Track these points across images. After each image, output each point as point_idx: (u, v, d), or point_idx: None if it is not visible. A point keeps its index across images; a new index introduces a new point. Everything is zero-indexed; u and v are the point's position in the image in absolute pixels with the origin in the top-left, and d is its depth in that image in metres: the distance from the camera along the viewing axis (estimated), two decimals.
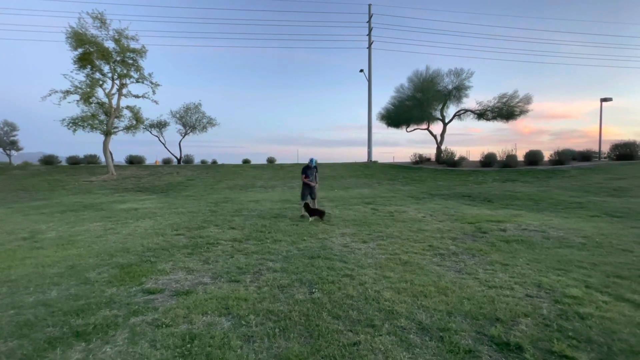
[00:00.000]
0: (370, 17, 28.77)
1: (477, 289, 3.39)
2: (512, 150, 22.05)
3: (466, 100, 26.89)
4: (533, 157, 21.20)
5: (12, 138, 35.32)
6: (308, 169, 8.32)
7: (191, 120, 28.95)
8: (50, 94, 19.18)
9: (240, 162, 27.95)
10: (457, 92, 26.05)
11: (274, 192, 14.39)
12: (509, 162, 20.82)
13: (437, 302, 3.07)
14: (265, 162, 28.26)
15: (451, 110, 27.54)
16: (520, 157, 21.98)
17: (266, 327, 2.64)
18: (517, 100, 25.04)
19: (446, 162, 23.09)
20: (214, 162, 29.06)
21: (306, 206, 7.64)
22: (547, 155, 21.68)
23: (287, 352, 2.29)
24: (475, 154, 43.09)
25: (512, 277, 3.74)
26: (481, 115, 26.64)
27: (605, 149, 22.85)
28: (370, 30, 28.70)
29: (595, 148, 23.87)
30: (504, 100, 25.33)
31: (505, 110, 25.35)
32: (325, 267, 4.13)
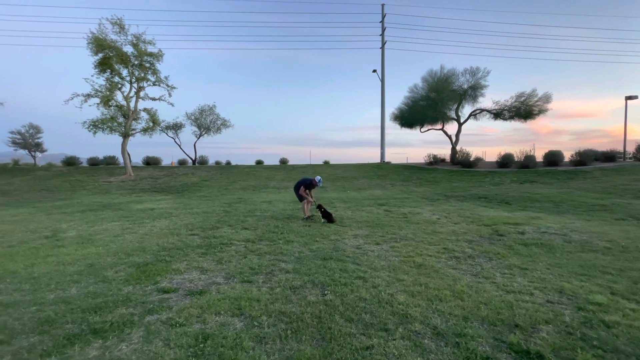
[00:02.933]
0: (383, 17, 28.56)
1: (495, 293, 3.29)
2: (530, 150, 21.41)
3: (482, 100, 26.30)
4: (553, 158, 20.53)
5: (36, 140, 36.78)
6: (311, 187, 8.02)
7: (206, 121, 29.47)
8: (72, 98, 19.92)
9: (253, 163, 28.21)
10: (473, 91, 25.50)
11: (286, 193, 14.43)
12: (527, 162, 20.22)
13: (452, 306, 2.99)
14: (278, 163, 28.43)
15: (466, 110, 26.99)
16: (539, 157, 21.33)
17: (278, 328, 2.63)
18: (535, 99, 24.31)
19: (461, 163, 22.63)
20: (228, 163, 29.44)
21: (320, 208, 7.57)
22: (567, 156, 20.98)
23: (299, 354, 2.27)
24: (491, 154, 42.13)
25: (532, 281, 3.61)
26: (498, 115, 25.99)
27: (631, 149, 21.93)
28: (383, 30, 28.49)
29: (620, 148, 22.86)
30: (522, 99, 24.63)
31: (523, 110, 24.64)
32: (337, 268, 4.09)
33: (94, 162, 27.29)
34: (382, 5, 28.62)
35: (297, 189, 8.06)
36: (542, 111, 24.47)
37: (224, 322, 2.75)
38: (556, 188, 13.75)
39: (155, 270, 4.10)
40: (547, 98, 24.15)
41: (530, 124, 27.59)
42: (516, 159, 21.13)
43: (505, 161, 21.29)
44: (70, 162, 26.84)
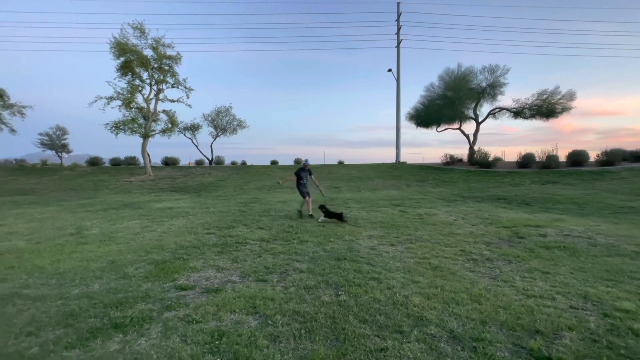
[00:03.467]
0: (399, 16, 28.26)
1: (514, 297, 3.19)
2: (552, 150, 20.72)
3: (501, 98, 25.66)
4: (577, 158, 19.75)
5: (63, 141, 38.48)
6: (302, 171, 8.36)
7: (222, 122, 30.03)
8: (95, 101, 20.73)
9: (268, 163, 28.49)
10: (492, 89, 24.88)
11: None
12: (549, 162, 19.54)
13: (469, 309, 2.92)
14: (292, 163, 28.60)
15: (485, 108, 26.37)
16: (562, 157, 20.58)
17: (292, 327, 2.65)
18: (558, 96, 23.46)
19: (479, 163, 22.09)
20: (243, 163, 29.86)
21: (323, 209, 7.53)
22: (593, 156, 20.11)
23: (312, 354, 2.27)
24: (510, 154, 40.88)
25: (554, 286, 3.48)
26: (518, 113, 25.24)
27: None
28: (398, 29, 28.19)
29: None
30: (544, 97, 23.82)
31: (545, 108, 23.83)
32: (351, 269, 4.08)
33: (115, 162, 28.28)
34: (398, 3, 28.34)
35: (296, 185, 8.43)
36: (565, 109, 23.61)
37: (239, 320, 2.79)
38: (580, 189, 13.21)
39: (173, 268, 4.20)
40: (571, 95, 23.28)
41: (552, 123, 26.56)
42: (537, 159, 20.46)
43: (526, 161, 20.63)
44: (94, 162, 27.93)
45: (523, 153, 21.12)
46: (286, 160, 30.45)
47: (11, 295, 3.37)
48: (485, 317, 2.78)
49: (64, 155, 39.32)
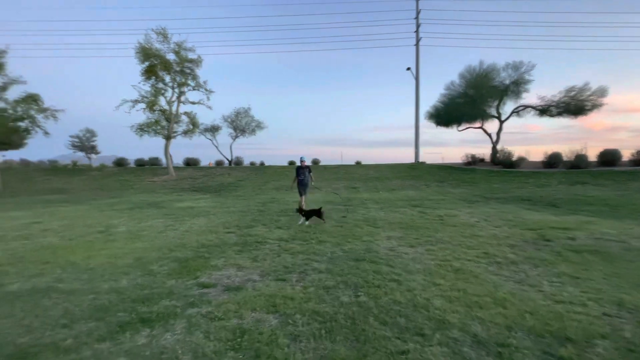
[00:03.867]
0: (417, 14, 27.79)
1: (542, 302, 3.07)
2: (581, 149, 19.69)
3: (526, 96, 24.54)
4: (609, 157, 18.71)
5: (92, 143, 40.32)
6: (300, 169, 8.66)
7: (241, 123, 30.50)
8: (122, 104, 21.60)
9: (285, 164, 28.72)
10: (516, 87, 23.93)
11: (318, 194, 14.51)
12: (578, 162, 18.62)
13: (494, 314, 2.83)
14: (309, 163, 28.69)
15: (508, 106, 25.38)
16: (592, 157, 19.53)
17: (312, 327, 2.66)
18: (588, 93, 22.29)
19: (502, 163, 21.37)
20: (262, 163, 30.24)
21: (300, 211, 7.40)
22: (626, 155, 19.00)
23: (333, 354, 2.28)
24: (535, 153, 39.29)
25: (585, 292, 3.32)
26: (544, 111, 24.16)
27: None
28: (418, 26, 27.71)
29: None
30: (572, 93, 22.68)
31: (573, 105, 22.69)
32: (370, 270, 4.05)
33: (140, 163, 29.35)
34: (417, 1, 27.85)
35: (297, 184, 8.75)
36: (595, 106, 22.39)
37: (259, 318, 2.83)
38: (612, 190, 12.53)
39: (196, 266, 4.31)
40: (602, 92, 22.06)
41: (581, 121, 25.28)
42: (565, 159, 19.55)
43: (553, 161, 19.76)
44: (120, 163, 29.11)
45: (549, 152, 20.27)
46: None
47: (47, 289, 3.57)
48: (510, 322, 2.69)
49: (93, 156, 41.21)
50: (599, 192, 12.25)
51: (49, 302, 3.22)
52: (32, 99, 19.38)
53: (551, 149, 25.24)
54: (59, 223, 7.94)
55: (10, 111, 19.03)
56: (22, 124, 20.29)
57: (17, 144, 30.16)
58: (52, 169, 28.03)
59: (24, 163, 37.41)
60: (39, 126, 20.07)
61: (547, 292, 3.31)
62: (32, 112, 19.57)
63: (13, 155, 37.21)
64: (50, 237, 6.38)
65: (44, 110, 19.73)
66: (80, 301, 3.23)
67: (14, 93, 19.36)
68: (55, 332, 2.63)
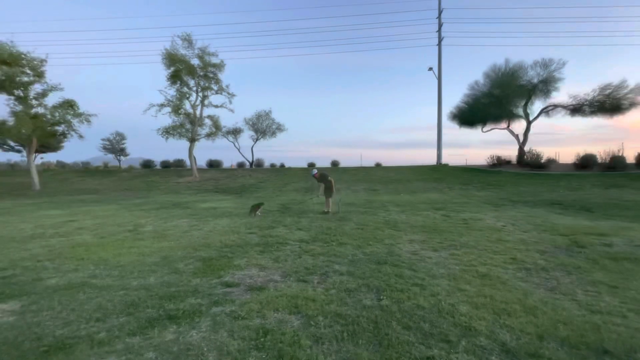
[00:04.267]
0: (440, 13, 27.28)
1: (576, 312, 2.91)
2: (618, 150, 18.60)
3: (556, 95, 23.48)
4: None
5: (121, 146, 42.25)
6: (322, 178, 9.51)
7: (262, 126, 31.01)
8: (149, 108, 22.52)
9: (305, 166, 28.89)
10: (545, 85, 22.94)
11: (337, 195, 14.50)
12: (614, 164, 17.60)
13: (523, 322, 2.71)
14: (329, 165, 28.72)
15: (537, 106, 24.39)
16: (630, 158, 18.38)
17: (334, 329, 2.65)
18: (625, 91, 21.00)
19: (530, 165, 20.53)
20: (282, 165, 30.58)
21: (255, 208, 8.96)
22: None
23: (356, 357, 2.26)
24: (565, 155, 37.29)
25: (624, 302, 3.11)
26: (576, 110, 23.01)
27: None
28: (440, 26, 27.19)
29: None
30: (607, 91, 21.46)
31: (609, 104, 21.45)
32: (392, 274, 3.99)
33: (165, 165, 30.46)
34: (439, 0, 27.33)
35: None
36: (633, 104, 21.08)
37: (282, 319, 2.86)
38: None
39: (219, 265, 4.41)
40: None
41: (617, 120, 23.89)
42: (599, 161, 18.51)
43: (586, 163, 18.79)
44: (147, 165, 30.34)
45: (581, 154, 19.27)
46: (323, 162, 30.71)
47: (82, 284, 3.76)
48: (542, 331, 2.57)
49: (122, 158, 43.17)
50: (638, 196, 11.49)
51: (84, 297, 3.40)
52: (68, 105, 20.56)
53: (583, 150, 23.91)
54: (92, 222, 8.37)
55: (49, 116, 20.26)
56: (60, 128, 21.55)
57: (54, 147, 32.13)
58: (86, 170, 29.64)
59: (60, 165, 39.82)
60: (74, 130, 21.25)
61: (582, 302, 3.14)
62: (69, 117, 20.74)
63: (51, 157, 39.67)
64: (84, 234, 6.73)
65: (79, 115, 20.87)
66: (112, 296, 3.39)
67: (52, 99, 20.64)
68: (90, 325, 2.77)
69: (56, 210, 10.95)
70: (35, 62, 19.11)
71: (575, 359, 2.22)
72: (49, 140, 24.54)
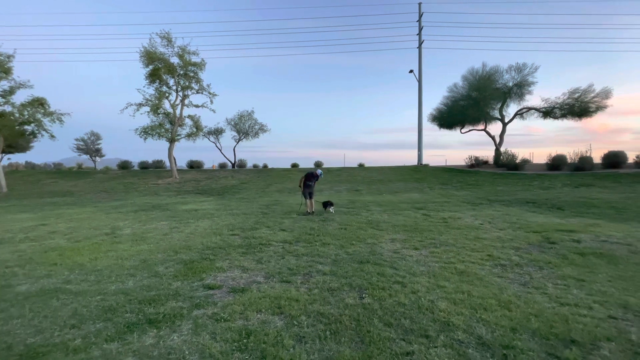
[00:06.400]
0: (420, 16, 27.87)
1: (547, 305, 3.07)
2: (586, 151, 19.62)
3: (529, 98, 24.49)
4: (614, 159, 18.62)
5: (96, 146, 40.67)
6: (313, 177, 9.36)
7: (244, 126, 30.61)
8: (126, 107, 21.76)
9: (289, 166, 28.78)
10: (519, 89, 23.91)
11: (321, 196, 14.53)
12: (583, 164, 18.55)
13: (498, 316, 2.84)
14: (312, 165, 28.71)
15: (512, 109, 25.37)
16: (597, 159, 19.43)
17: (317, 328, 2.68)
18: (592, 95, 22.20)
19: (506, 165, 21.32)
20: (265, 166, 30.31)
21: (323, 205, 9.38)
22: (631, 157, 18.89)
23: (338, 355, 2.30)
24: (539, 156, 39.07)
25: (590, 294, 3.31)
26: (547, 113, 24.10)
27: None
28: (420, 29, 27.78)
29: None
30: (576, 95, 22.61)
31: (577, 107, 22.62)
32: (375, 272, 4.06)
33: (144, 166, 29.52)
34: (419, 4, 27.94)
35: (303, 187, 9.40)
36: (600, 108, 22.31)
37: (265, 319, 2.86)
38: (618, 193, 12.45)
39: (201, 268, 4.35)
40: (606, 93, 21.98)
41: (585, 123, 25.10)
42: (569, 161, 19.46)
43: (557, 163, 19.69)
44: (124, 165, 29.30)
45: (553, 155, 20.20)
46: (307, 163, 30.64)
47: (55, 290, 3.61)
48: (515, 324, 2.70)
49: (98, 159, 41.56)
50: (604, 194, 12.18)
51: (58, 303, 3.27)
52: (38, 103, 19.58)
53: (555, 151, 25.09)
54: (66, 225, 8.03)
55: (17, 115, 19.22)
56: (29, 128, 20.49)
57: (23, 147, 30.51)
58: (58, 171, 28.29)
59: (29, 166, 37.82)
60: (45, 130, 20.24)
61: (552, 295, 3.31)
62: (39, 116, 19.75)
63: (18, 158, 37.65)
64: (58, 239, 6.45)
65: (50, 114, 19.91)
66: (88, 302, 3.28)
67: (20, 97, 19.59)
68: (64, 333, 2.67)
69: (26, 214, 10.42)
70: (1, 58, 18.11)
71: (544, 349, 2.35)
72: (17, 140, 23.27)
